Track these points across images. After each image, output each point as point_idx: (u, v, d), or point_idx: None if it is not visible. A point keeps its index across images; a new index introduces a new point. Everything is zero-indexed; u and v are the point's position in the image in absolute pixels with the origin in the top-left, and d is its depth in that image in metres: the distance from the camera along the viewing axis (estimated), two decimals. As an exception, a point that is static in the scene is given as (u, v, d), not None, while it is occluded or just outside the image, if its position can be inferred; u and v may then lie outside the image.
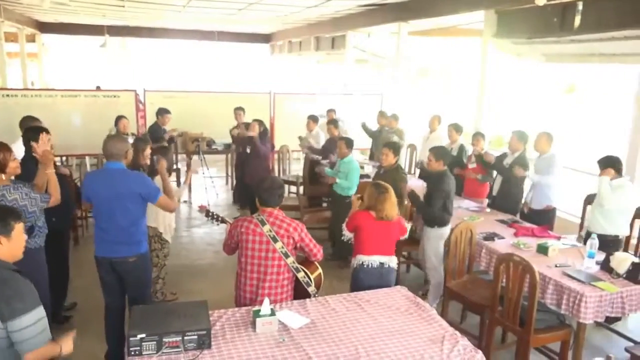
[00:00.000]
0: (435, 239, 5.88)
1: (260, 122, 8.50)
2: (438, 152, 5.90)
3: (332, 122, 9.50)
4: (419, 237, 6.36)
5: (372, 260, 4.59)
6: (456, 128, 8.72)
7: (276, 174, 10.24)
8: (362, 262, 4.63)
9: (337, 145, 7.39)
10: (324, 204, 9.28)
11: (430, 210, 5.70)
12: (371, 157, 10.83)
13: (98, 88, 14.76)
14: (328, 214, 7.94)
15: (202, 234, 8.80)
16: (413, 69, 14.69)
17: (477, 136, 8.26)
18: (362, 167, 8.64)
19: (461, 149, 8.60)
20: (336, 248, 7.48)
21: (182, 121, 11.01)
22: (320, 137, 9.88)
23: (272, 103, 11.86)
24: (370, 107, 12.23)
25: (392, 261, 4.67)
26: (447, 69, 15.98)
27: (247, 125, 8.95)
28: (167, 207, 4.59)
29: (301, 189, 9.30)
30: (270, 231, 3.95)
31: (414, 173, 10.38)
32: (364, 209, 4.62)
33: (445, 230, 5.89)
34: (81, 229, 8.48)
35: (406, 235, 4.92)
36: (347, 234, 4.75)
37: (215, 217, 4.63)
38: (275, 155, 10.99)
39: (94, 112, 10.34)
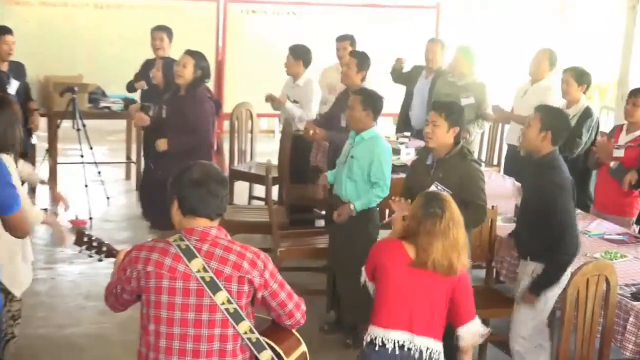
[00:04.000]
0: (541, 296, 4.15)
1: (198, 58, 5.65)
2: (548, 114, 4.13)
3: (358, 61, 6.10)
4: (506, 292, 4.77)
5: (392, 337, 3.28)
6: (579, 77, 5.98)
7: (223, 161, 7.39)
8: (374, 339, 3.34)
9: (350, 104, 4.92)
10: (319, 222, 6.87)
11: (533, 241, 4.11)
12: (400, 129, 7.56)
13: None
14: (324, 243, 5.54)
15: (77, 277, 6.40)
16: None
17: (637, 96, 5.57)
18: (396, 151, 6.18)
19: (586, 116, 5.88)
20: (339, 308, 5.25)
21: (39, 53, 7.92)
22: (312, 94, 6.85)
23: (221, 20, 8.79)
24: (416, 34, 8.81)
25: (432, 346, 3.34)
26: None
27: (170, 65, 6.19)
28: (19, 229, 3.47)
29: (275, 191, 6.64)
30: (206, 270, 2.61)
31: (498, 163, 7.43)
32: (399, 237, 3.37)
33: (563, 280, 4.05)
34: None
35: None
36: (368, 283, 3.48)
37: (95, 246, 3.23)
38: (226, 124, 8.28)
39: None
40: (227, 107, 7.93)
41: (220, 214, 2.76)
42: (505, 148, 7.15)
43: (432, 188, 3.98)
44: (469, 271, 3.47)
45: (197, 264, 2.63)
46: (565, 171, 4.19)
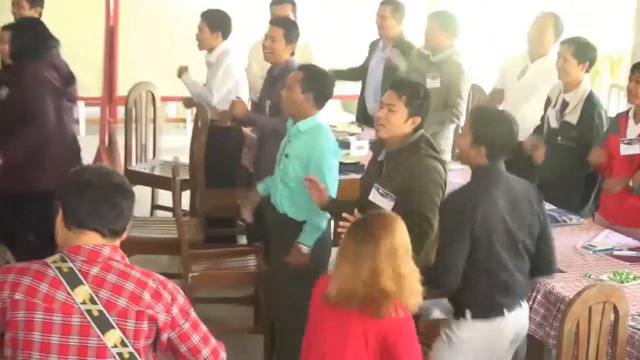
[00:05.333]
0: (460, 344, 3.84)
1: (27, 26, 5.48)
2: (481, 123, 3.92)
3: (285, 30, 5.62)
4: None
5: None
6: (579, 52, 5.34)
7: (115, 160, 6.73)
8: None
9: (287, 83, 4.45)
10: (243, 239, 6.48)
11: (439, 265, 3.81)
12: (360, 119, 7.14)
13: None
14: (251, 265, 5.29)
15: None
16: None
17: None
18: (345, 144, 5.78)
19: (591, 106, 5.38)
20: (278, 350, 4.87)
21: None
22: (223, 73, 6.18)
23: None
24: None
25: None
26: None
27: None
28: None
29: (186, 198, 6.26)
30: (94, 301, 2.58)
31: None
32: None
33: (498, 324, 3.74)
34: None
35: None
36: None
37: None
38: (120, 110, 7.65)
39: None
40: (122, 89, 7.37)
41: (117, 232, 2.64)
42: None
43: (372, 194, 3.89)
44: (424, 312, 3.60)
45: (82, 292, 2.55)
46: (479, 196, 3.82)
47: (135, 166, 6.47)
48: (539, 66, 5.95)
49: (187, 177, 5.96)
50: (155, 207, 6.67)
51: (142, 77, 7.05)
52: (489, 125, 3.79)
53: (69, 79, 5.48)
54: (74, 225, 2.52)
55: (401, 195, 3.75)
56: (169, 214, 6.34)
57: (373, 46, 6.83)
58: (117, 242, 2.57)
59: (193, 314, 2.62)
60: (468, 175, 5.24)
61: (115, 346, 2.45)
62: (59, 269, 2.47)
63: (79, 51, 6.94)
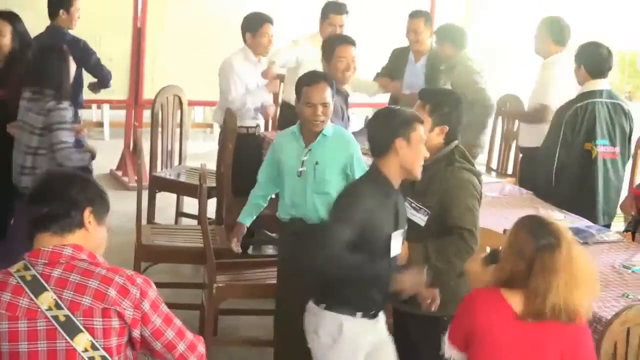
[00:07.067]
0: None
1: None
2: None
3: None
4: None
5: None
6: (586, 58, 5.47)
7: (140, 166, 6.00)
8: None
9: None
10: (268, 249, 6.42)
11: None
12: None
13: None
14: (271, 277, 5.11)
15: None
16: None
17: None
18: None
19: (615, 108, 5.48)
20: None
21: None
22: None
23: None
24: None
25: None
26: None
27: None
28: None
29: (213, 206, 6.06)
30: (59, 306, 2.55)
31: (513, 173, 6.95)
32: (492, 284, 3.15)
33: None
34: None
35: None
36: (456, 355, 3.19)
37: None
38: (146, 114, 7.45)
39: None
40: (148, 92, 7.37)
41: (71, 227, 2.58)
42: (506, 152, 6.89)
43: (406, 208, 3.83)
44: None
45: (47, 298, 2.50)
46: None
47: (160, 172, 6.41)
48: (540, 69, 6.07)
49: (214, 184, 5.83)
50: (180, 214, 6.60)
51: (169, 81, 6.99)
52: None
53: None
54: (31, 229, 2.54)
55: (438, 210, 3.70)
56: (194, 222, 6.26)
57: (399, 55, 6.77)
58: (83, 239, 2.53)
59: (165, 308, 2.57)
60: (502, 187, 5.52)
61: (86, 350, 2.41)
62: (22, 277, 2.45)
63: (106, 53, 6.95)
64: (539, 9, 9.13)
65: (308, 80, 4.60)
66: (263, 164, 4.75)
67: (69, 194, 2.57)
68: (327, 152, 4.26)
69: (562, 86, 5.58)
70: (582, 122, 5.21)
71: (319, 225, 4.40)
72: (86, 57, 5.85)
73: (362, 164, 4.37)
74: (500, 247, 3.25)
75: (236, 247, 4.82)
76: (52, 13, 5.73)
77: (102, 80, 6.18)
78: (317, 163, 4.22)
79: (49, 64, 4.81)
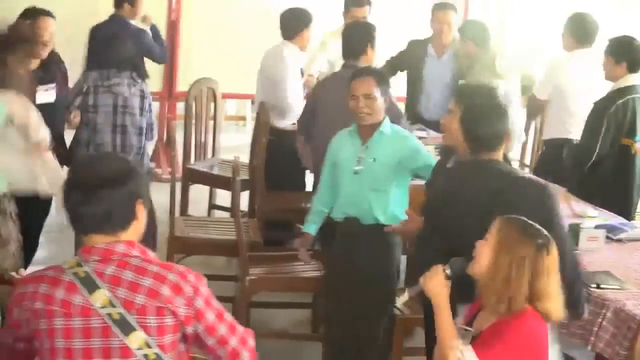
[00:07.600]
0: None
1: None
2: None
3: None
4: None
5: None
6: (624, 52, 5.27)
7: (174, 158, 6.20)
8: None
9: (366, 95, 4.35)
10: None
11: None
12: (412, 117, 6.83)
13: None
14: (311, 270, 5.04)
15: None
16: None
17: None
18: None
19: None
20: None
21: None
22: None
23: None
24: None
25: None
26: None
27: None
28: None
29: (245, 199, 6.15)
30: (113, 304, 2.50)
31: (531, 162, 7.20)
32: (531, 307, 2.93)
33: None
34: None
35: None
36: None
37: None
38: (180, 107, 7.65)
39: None
40: (182, 84, 7.31)
41: (124, 226, 2.55)
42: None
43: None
44: None
45: (100, 296, 2.47)
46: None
47: (193, 164, 6.39)
48: None
49: (247, 177, 5.87)
50: (212, 207, 6.59)
51: (202, 73, 6.96)
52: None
53: None
54: (77, 231, 2.52)
55: (481, 211, 3.59)
56: (227, 214, 6.28)
57: (416, 49, 6.64)
58: (134, 234, 2.52)
59: (217, 303, 2.55)
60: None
61: (140, 348, 2.42)
62: (76, 274, 2.44)
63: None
64: (571, 7, 9.32)
65: (355, 74, 4.59)
66: (322, 170, 4.72)
67: (125, 193, 2.54)
68: (384, 149, 4.26)
69: (575, 82, 5.51)
70: (624, 118, 5.13)
71: (374, 227, 4.38)
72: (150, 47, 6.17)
73: (421, 152, 4.37)
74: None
75: (306, 257, 4.82)
76: (118, 4, 5.98)
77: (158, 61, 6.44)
78: (374, 160, 4.23)
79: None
